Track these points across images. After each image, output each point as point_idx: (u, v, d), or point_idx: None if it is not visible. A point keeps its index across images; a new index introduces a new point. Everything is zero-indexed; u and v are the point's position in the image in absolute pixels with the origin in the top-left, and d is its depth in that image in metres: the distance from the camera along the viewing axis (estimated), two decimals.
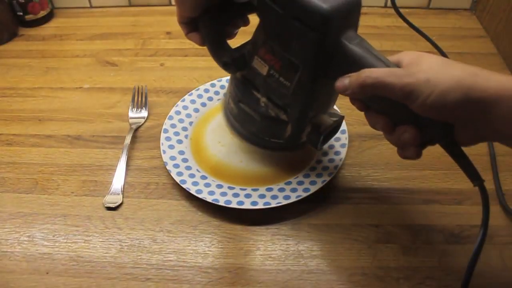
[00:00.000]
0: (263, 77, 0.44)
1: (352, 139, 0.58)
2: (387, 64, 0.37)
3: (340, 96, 0.44)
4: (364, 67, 0.37)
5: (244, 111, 0.48)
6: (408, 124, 0.37)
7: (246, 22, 0.48)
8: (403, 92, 0.34)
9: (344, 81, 0.37)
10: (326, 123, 0.46)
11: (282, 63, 0.42)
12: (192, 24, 0.47)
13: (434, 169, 0.55)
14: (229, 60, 0.46)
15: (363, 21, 0.49)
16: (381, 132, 0.59)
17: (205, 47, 0.48)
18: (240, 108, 0.48)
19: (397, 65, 0.37)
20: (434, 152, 0.57)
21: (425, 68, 0.34)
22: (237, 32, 0.49)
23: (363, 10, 0.40)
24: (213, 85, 0.65)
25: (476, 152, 0.56)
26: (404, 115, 0.37)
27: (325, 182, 0.52)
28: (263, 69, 0.44)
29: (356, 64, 0.37)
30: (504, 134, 0.34)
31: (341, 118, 0.48)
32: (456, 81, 0.32)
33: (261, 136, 0.49)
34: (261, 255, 0.48)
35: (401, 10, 0.62)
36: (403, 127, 0.37)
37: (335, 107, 0.50)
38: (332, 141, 0.57)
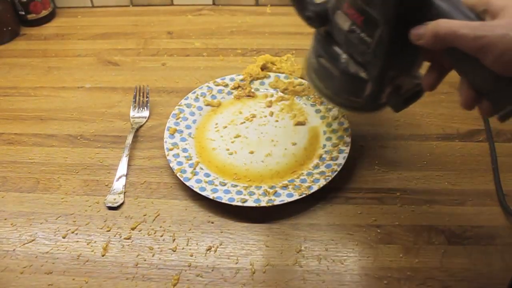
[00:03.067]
0: (345, 33, 0.44)
1: (354, 139, 0.58)
2: (471, 19, 0.36)
3: None
4: None
5: (324, 67, 0.47)
6: (484, 89, 0.36)
7: None
8: (475, 44, 0.32)
9: (420, 29, 0.37)
10: (408, 84, 0.45)
11: (364, 18, 0.41)
12: None
13: (436, 170, 0.55)
14: (312, 14, 0.45)
15: None
16: (383, 133, 0.60)
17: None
18: (320, 63, 0.48)
19: (486, 7, 0.35)
20: (436, 152, 0.57)
21: (509, 21, 0.32)
22: None
23: None
24: (216, 84, 0.65)
25: (477, 153, 0.57)
26: (479, 75, 0.36)
27: (328, 180, 0.52)
28: (345, 24, 0.43)
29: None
30: None
31: None
32: None
33: (340, 93, 0.48)
34: (262, 255, 0.48)
35: None
36: (479, 104, 0.37)
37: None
38: (334, 139, 0.57)
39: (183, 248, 0.48)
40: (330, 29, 0.46)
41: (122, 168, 0.56)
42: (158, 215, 0.52)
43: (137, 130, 0.62)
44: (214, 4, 0.87)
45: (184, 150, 0.57)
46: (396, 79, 0.45)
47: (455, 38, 0.34)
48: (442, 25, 0.35)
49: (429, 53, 0.40)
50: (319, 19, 0.45)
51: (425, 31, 0.36)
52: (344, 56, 0.45)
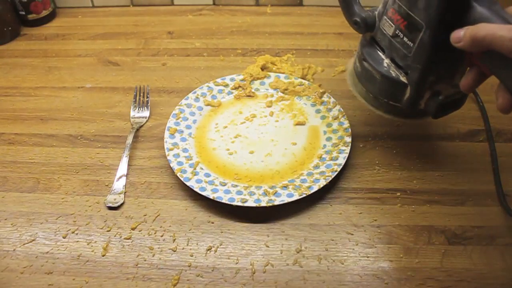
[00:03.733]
0: (389, 38, 0.46)
1: (354, 139, 0.58)
2: None
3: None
4: None
5: (367, 70, 0.49)
6: None
7: None
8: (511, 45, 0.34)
9: (459, 32, 0.38)
10: (448, 92, 0.46)
11: (408, 23, 0.43)
12: None
13: (436, 170, 0.55)
14: (359, 19, 0.48)
15: None
16: (383, 133, 0.60)
17: None
18: (364, 67, 0.50)
19: None
20: (436, 152, 0.57)
21: None
22: None
23: None
24: (216, 84, 0.66)
25: (478, 153, 0.57)
26: None
27: (329, 180, 0.52)
28: (390, 30, 0.46)
29: None
30: None
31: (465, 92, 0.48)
32: None
33: (380, 96, 0.50)
34: (262, 255, 0.48)
35: None
36: None
37: None
38: (334, 139, 0.57)
39: (183, 248, 0.49)
40: (375, 35, 0.48)
41: (122, 168, 0.56)
42: (158, 215, 0.52)
43: (138, 130, 0.62)
44: (214, 4, 0.87)
45: (185, 150, 0.57)
46: (436, 85, 0.46)
47: (493, 40, 0.35)
48: (481, 27, 0.36)
49: (469, 60, 0.41)
50: (366, 25, 0.48)
51: (464, 34, 0.38)
52: (386, 61, 0.48)
